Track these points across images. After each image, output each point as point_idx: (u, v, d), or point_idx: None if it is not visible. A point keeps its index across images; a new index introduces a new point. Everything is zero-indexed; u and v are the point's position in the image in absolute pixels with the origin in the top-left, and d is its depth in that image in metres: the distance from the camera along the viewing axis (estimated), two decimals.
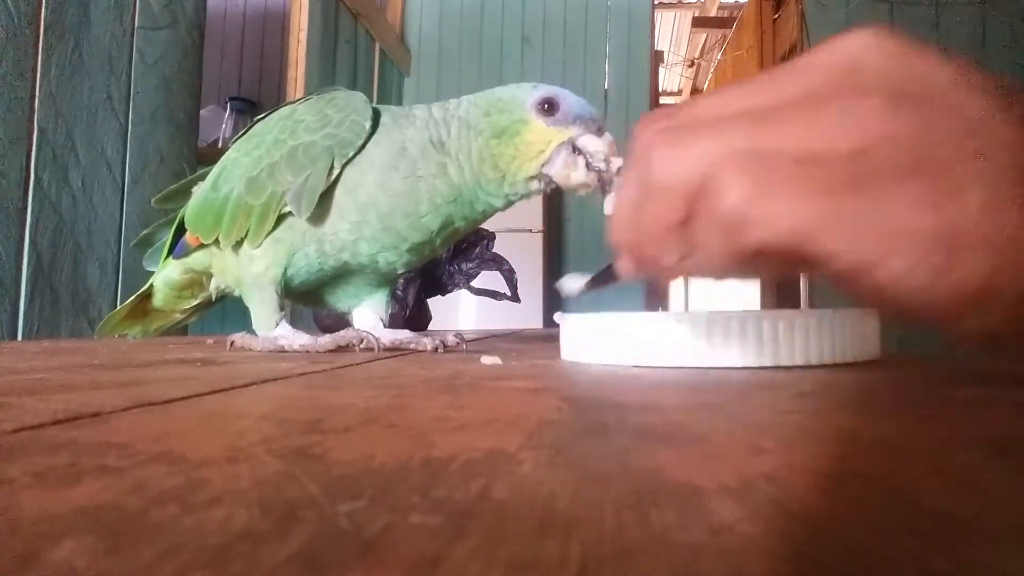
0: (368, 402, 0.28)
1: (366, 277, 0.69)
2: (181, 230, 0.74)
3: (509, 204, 0.63)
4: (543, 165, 0.59)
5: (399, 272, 0.69)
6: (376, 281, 0.70)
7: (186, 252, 0.73)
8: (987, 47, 3.16)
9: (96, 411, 0.24)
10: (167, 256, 0.76)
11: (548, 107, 0.59)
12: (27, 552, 0.11)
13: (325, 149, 0.60)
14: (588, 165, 0.59)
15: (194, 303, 0.80)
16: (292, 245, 0.64)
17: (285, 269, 0.65)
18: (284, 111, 0.66)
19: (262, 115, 0.70)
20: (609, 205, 0.62)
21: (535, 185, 0.61)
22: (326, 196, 0.61)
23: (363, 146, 0.61)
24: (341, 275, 0.68)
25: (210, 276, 0.74)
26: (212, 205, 0.67)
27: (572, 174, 0.59)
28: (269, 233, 0.63)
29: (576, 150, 0.59)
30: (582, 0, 3.65)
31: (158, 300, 0.79)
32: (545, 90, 0.60)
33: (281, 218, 0.63)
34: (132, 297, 0.80)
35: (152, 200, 0.80)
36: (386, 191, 0.60)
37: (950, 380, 0.39)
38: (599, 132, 0.60)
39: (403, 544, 0.11)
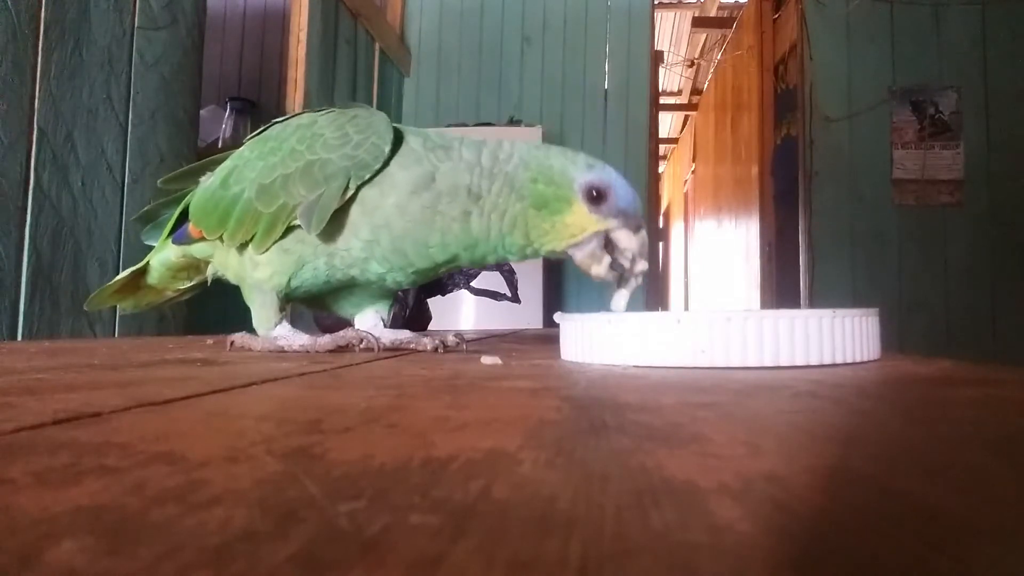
0: (368, 402, 0.28)
1: (371, 290, 0.69)
2: (184, 215, 0.73)
3: (522, 260, 0.64)
4: (572, 246, 0.60)
5: (404, 287, 0.69)
6: (380, 293, 0.70)
7: (187, 241, 0.72)
8: (987, 47, 3.16)
9: (96, 411, 0.24)
10: (167, 237, 0.75)
11: (596, 195, 0.58)
12: (27, 552, 0.11)
13: (342, 169, 0.59)
14: (613, 261, 0.60)
15: (189, 284, 0.79)
16: (301, 257, 0.63)
17: (289, 279, 0.64)
18: (304, 120, 0.65)
19: (280, 119, 0.69)
20: (618, 302, 0.60)
21: (554, 255, 0.62)
22: (340, 212, 0.60)
23: (383, 168, 0.60)
24: (346, 286, 0.68)
25: (208, 263, 0.74)
26: (220, 203, 0.66)
27: (594, 267, 0.60)
28: (276, 241, 0.63)
29: (608, 243, 0.60)
30: (582, 0, 3.65)
31: (152, 278, 0.79)
32: (597, 175, 0.59)
33: (290, 228, 0.62)
34: (126, 271, 0.79)
35: (158, 181, 0.79)
36: (403, 215, 0.60)
37: (950, 380, 0.39)
38: (636, 229, 0.60)
39: (403, 544, 0.11)
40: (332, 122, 0.63)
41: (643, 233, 0.60)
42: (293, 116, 0.68)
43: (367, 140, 0.60)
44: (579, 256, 0.60)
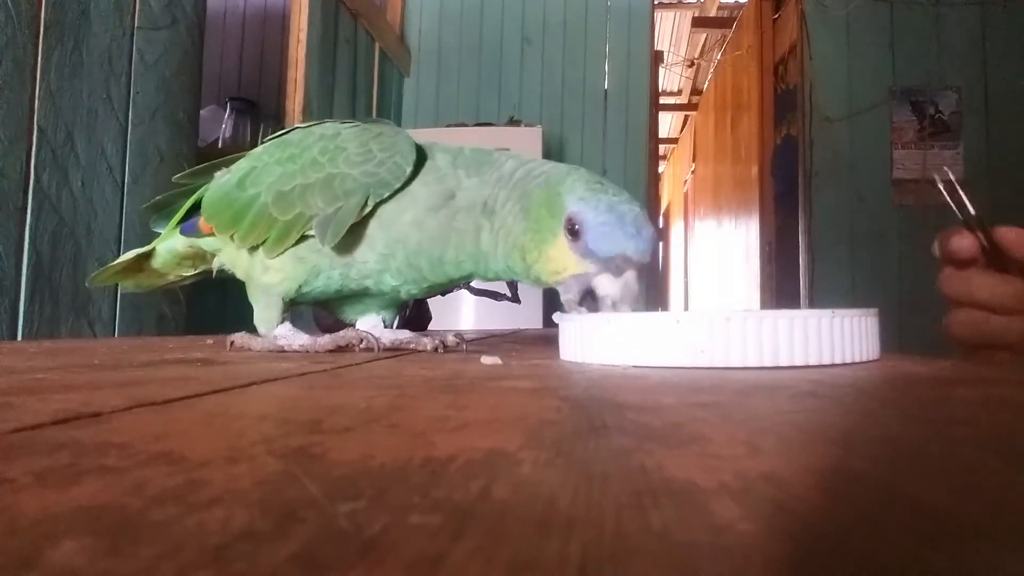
0: (368, 402, 0.28)
1: (380, 299, 0.69)
2: (195, 207, 0.73)
3: (533, 285, 0.61)
4: (557, 283, 0.56)
5: (417, 298, 0.69)
6: (388, 302, 0.70)
7: (196, 234, 0.72)
8: (987, 47, 3.16)
9: (96, 411, 0.24)
10: (175, 226, 0.75)
11: (574, 230, 0.53)
12: (27, 552, 0.11)
13: (362, 186, 0.59)
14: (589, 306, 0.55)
15: (192, 272, 0.79)
16: (316, 266, 0.63)
17: (300, 286, 0.64)
18: (328, 130, 0.65)
19: (303, 124, 0.69)
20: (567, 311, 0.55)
21: (549, 286, 0.58)
22: (358, 226, 0.60)
23: (404, 186, 0.60)
24: (356, 295, 0.68)
25: (215, 256, 0.74)
26: (234, 203, 0.66)
27: (572, 313, 0.55)
28: (289, 248, 0.63)
29: (591, 293, 0.54)
30: (582, 0, 3.65)
31: (157, 263, 0.79)
32: (580, 208, 0.53)
33: (305, 237, 0.62)
34: (131, 253, 0.79)
35: (174, 177, 0.79)
36: (419, 230, 0.60)
37: (950, 380, 0.39)
38: (617, 271, 0.53)
39: (403, 544, 0.11)
40: (356, 137, 0.62)
41: (627, 275, 0.53)
42: (316, 124, 0.68)
43: (390, 159, 0.60)
44: (562, 296, 0.56)
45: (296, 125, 0.70)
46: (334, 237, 0.59)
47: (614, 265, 0.53)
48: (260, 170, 0.66)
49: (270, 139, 0.70)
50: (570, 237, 0.54)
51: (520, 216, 0.57)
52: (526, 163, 0.60)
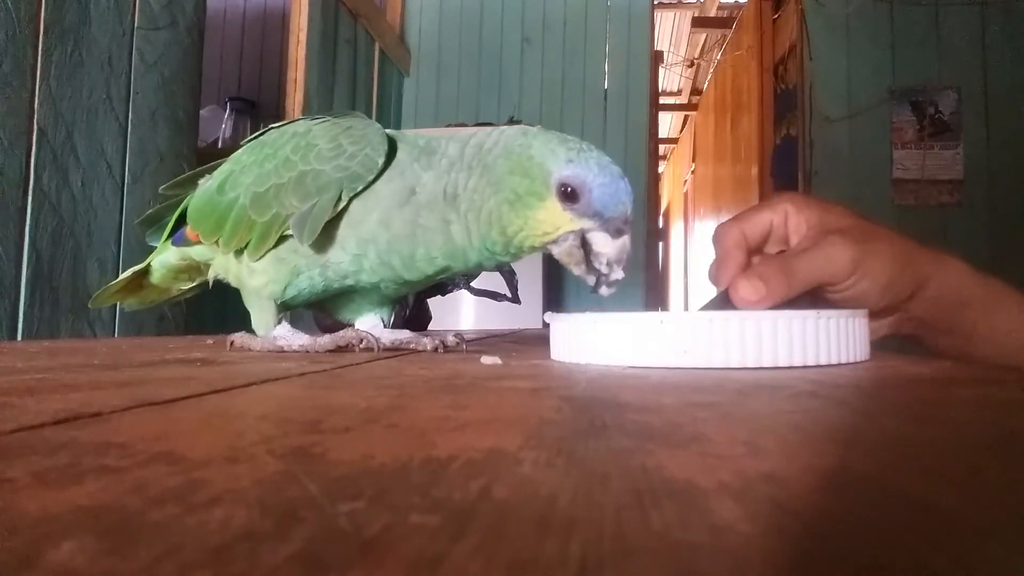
0: (368, 402, 0.28)
1: (371, 297, 0.69)
2: (182, 218, 0.73)
3: (513, 261, 0.61)
4: (549, 243, 0.57)
5: (403, 295, 0.68)
6: (380, 300, 0.70)
7: (185, 243, 0.72)
8: (987, 47, 3.16)
9: (96, 411, 0.24)
10: (167, 239, 0.75)
11: (570, 192, 0.54)
12: (27, 552, 0.11)
13: (335, 181, 0.59)
14: (589, 263, 0.56)
15: (191, 285, 0.80)
16: (296, 267, 0.63)
17: (285, 287, 0.64)
18: (300, 127, 0.65)
19: (277, 124, 0.69)
20: (604, 291, 0.56)
21: (536, 252, 0.58)
22: (331, 225, 0.60)
23: (374, 181, 0.59)
24: (345, 293, 0.68)
25: (209, 266, 0.74)
26: (216, 208, 0.66)
27: (573, 266, 0.57)
28: (271, 250, 0.63)
29: (585, 242, 0.56)
30: (582, 0, 3.65)
31: (154, 278, 0.79)
32: (573, 171, 0.54)
33: (285, 237, 0.62)
34: (128, 272, 0.80)
35: (160, 188, 0.80)
36: (388, 229, 0.59)
37: (950, 380, 0.39)
38: (617, 232, 0.55)
39: (403, 544, 0.11)
40: (326, 132, 0.62)
41: (624, 239, 0.55)
42: (290, 123, 0.67)
43: (361, 151, 0.59)
44: (557, 252, 0.57)
45: (271, 125, 0.69)
46: (311, 235, 0.59)
47: (614, 226, 0.55)
48: (238, 173, 0.66)
49: (247, 141, 0.69)
50: (563, 200, 0.54)
51: (490, 192, 0.56)
52: (467, 139, 0.60)
